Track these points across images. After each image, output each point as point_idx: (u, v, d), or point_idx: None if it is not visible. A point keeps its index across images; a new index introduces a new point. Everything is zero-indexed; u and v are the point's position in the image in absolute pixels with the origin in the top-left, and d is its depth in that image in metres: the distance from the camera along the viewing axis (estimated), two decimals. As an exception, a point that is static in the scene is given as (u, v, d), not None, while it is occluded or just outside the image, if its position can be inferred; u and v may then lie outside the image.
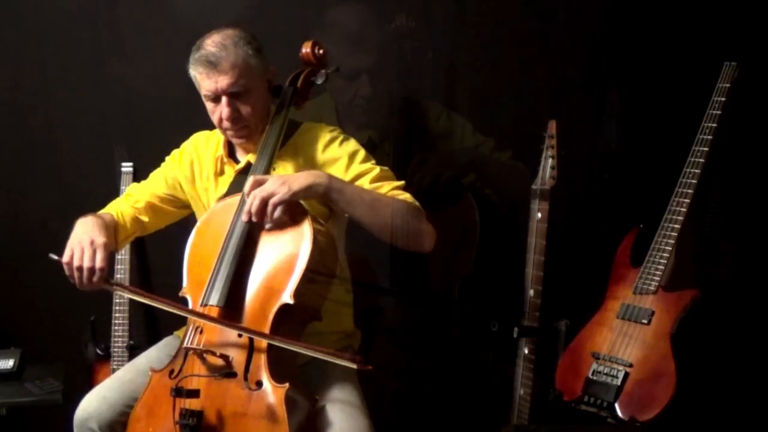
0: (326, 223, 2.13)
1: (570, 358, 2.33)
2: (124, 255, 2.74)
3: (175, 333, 2.28)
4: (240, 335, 1.95)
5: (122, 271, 2.73)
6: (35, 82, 2.85)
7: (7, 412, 2.60)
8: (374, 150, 2.43)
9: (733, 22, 2.47)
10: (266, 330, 1.94)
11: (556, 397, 2.30)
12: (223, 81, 2.08)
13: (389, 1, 2.71)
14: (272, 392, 1.89)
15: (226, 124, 2.13)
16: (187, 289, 2.06)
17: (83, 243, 2.02)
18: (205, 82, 2.10)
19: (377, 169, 2.14)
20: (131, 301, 2.74)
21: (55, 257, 2.03)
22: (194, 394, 1.91)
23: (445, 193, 2.58)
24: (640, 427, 2.13)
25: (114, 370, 2.70)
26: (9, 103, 2.87)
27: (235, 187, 2.17)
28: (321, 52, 2.27)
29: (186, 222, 2.30)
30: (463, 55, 2.73)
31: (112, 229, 2.19)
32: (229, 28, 2.13)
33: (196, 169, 2.27)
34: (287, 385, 1.89)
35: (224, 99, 2.10)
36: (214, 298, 1.97)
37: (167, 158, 2.33)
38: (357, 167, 2.14)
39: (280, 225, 2.00)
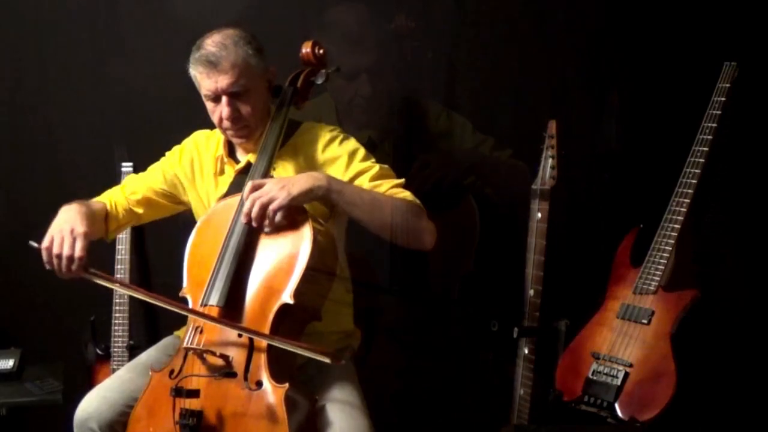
0: (326, 222, 2.13)
1: (570, 358, 2.33)
2: (124, 255, 2.74)
3: (175, 333, 2.28)
4: (240, 335, 1.95)
5: (122, 271, 2.73)
6: (35, 82, 2.85)
7: (7, 412, 2.59)
8: (374, 150, 2.43)
9: (733, 22, 2.47)
10: (266, 330, 1.94)
11: (556, 397, 2.30)
12: (223, 81, 2.08)
13: (389, 1, 2.71)
14: (272, 392, 1.89)
15: (226, 123, 2.13)
16: (187, 289, 2.06)
17: (64, 231, 2.02)
18: (206, 81, 2.10)
19: (377, 167, 2.14)
20: (131, 301, 2.74)
21: (35, 245, 2.02)
22: (194, 394, 1.91)
23: (447, 198, 2.58)
24: (640, 427, 2.13)
25: (114, 370, 2.70)
26: (9, 103, 2.87)
27: (235, 186, 2.17)
28: (321, 52, 2.27)
29: (186, 222, 2.30)
30: (463, 55, 2.73)
31: (101, 218, 2.20)
32: (230, 28, 2.14)
33: (196, 168, 2.27)
34: (287, 385, 1.88)
35: (224, 99, 2.10)
36: (214, 298, 1.97)
37: (167, 153, 2.33)
38: (357, 165, 2.14)
39: (280, 226, 2.00)
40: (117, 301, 2.76)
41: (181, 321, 2.16)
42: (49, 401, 2.56)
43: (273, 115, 2.19)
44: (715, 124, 2.24)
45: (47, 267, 2.02)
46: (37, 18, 2.81)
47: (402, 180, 2.15)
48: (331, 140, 2.19)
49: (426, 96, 2.72)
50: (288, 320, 1.98)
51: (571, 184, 2.46)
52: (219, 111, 2.12)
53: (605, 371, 2.23)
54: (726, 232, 2.50)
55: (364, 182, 2.12)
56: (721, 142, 2.25)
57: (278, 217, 1.97)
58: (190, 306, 2.02)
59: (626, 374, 2.20)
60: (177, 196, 2.31)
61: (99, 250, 2.63)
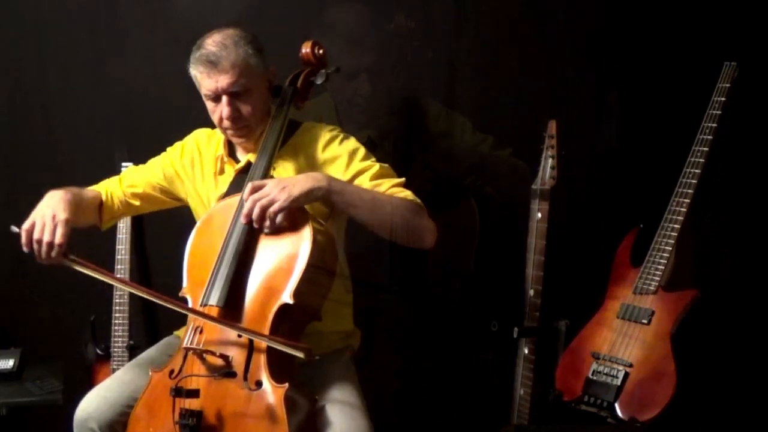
0: (326, 222, 2.13)
1: (570, 358, 2.33)
2: (124, 255, 2.74)
3: (175, 333, 2.28)
4: (240, 335, 1.95)
5: (122, 270, 2.73)
6: (35, 82, 2.85)
7: (7, 412, 2.59)
8: (374, 149, 2.43)
9: (733, 22, 2.47)
10: (266, 330, 1.94)
11: (556, 397, 2.30)
12: (223, 80, 2.08)
13: (389, 1, 2.71)
14: (272, 392, 1.89)
15: (226, 123, 2.13)
16: (187, 289, 2.06)
17: (45, 217, 2.01)
18: (206, 81, 2.10)
19: (377, 167, 2.14)
20: (131, 300, 2.74)
21: (17, 229, 2.01)
22: (194, 394, 1.91)
23: (447, 197, 2.58)
24: (640, 427, 2.13)
25: (114, 370, 2.70)
26: (9, 103, 2.87)
27: (235, 186, 2.17)
28: (321, 52, 2.27)
29: (186, 222, 2.30)
30: (463, 55, 2.73)
31: (92, 206, 2.20)
32: (230, 28, 2.14)
33: (196, 167, 2.27)
34: (287, 385, 1.88)
35: (224, 98, 2.10)
36: (214, 298, 1.97)
37: (168, 149, 2.32)
38: (357, 165, 2.14)
39: (280, 226, 2.00)
40: (117, 301, 2.76)
41: (181, 321, 2.16)
42: (49, 401, 2.56)
43: (273, 114, 2.19)
44: (715, 124, 2.24)
45: (25, 250, 2.01)
46: (37, 18, 2.81)
47: (402, 179, 2.15)
48: (331, 140, 2.19)
49: (426, 96, 2.72)
50: (288, 320, 1.98)
51: (571, 184, 2.46)
52: (219, 111, 2.12)
53: (605, 371, 2.23)
54: (726, 232, 2.50)
55: (364, 181, 2.11)
56: (721, 142, 2.25)
57: (279, 218, 1.97)
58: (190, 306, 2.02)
59: (626, 374, 2.20)
60: (174, 193, 2.31)
61: (99, 250, 2.65)
